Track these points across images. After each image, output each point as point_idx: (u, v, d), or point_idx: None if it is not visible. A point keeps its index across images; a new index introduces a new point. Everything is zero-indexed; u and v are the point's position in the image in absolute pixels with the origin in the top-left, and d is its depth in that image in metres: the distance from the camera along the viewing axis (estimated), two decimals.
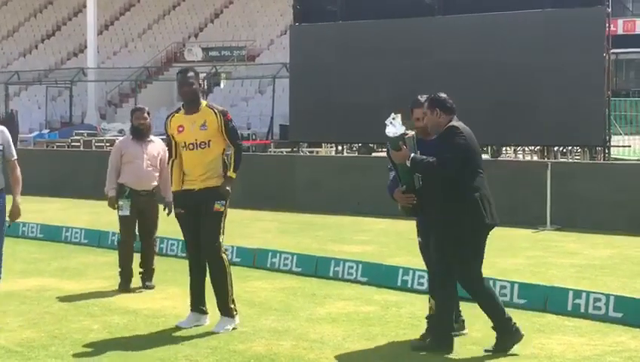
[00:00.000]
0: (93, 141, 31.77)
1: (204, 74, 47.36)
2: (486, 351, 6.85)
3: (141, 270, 9.60)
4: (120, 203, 9.57)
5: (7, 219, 7.89)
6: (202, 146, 7.66)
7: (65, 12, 55.83)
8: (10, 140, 7.95)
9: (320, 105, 22.83)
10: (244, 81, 44.42)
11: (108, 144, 29.91)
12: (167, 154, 9.21)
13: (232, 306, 7.73)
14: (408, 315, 8.18)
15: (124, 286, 9.35)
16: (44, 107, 44.54)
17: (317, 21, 24.64)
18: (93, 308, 8.45)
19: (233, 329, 7.59)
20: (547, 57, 20.93)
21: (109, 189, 9.67)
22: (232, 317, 7.70)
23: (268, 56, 45.41)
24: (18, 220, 11.81)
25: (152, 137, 9.71)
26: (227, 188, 7.66)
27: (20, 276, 10.08)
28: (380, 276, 9.62)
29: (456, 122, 6.89)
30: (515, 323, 6.89)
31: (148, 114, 9.69)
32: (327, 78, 23.41)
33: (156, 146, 9.67)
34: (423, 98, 7.19)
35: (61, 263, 11.09)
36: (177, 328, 7.64)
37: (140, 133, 9.61)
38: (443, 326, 6.96)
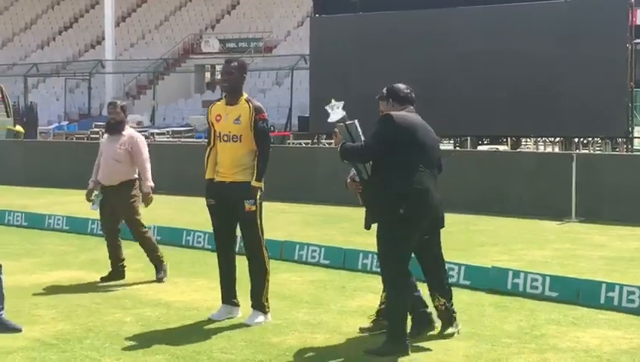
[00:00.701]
0: None
1: (221, 65, 47.41)
2: (365, 352, 6.63)
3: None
4: (92, 197, 9.66)
5: None
6: (234, 140, 7.61)
7: (82, 4, 55.96)
8: None
9: (340, 96, 22.51)
10: (262, 72, 44.42)
11: None
12: (139, 147, 9.49)
13: (266, 303, 7.73)
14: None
15: (105, 277, 9.43)
16: (62, 99, 44.68)
17: (337, 12, 24.63)
18: (124, 300, 8.46)
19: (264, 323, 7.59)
20: (569, 48, 20.87)
21: (89, 182, 9.78)
22: (265, 313, 7.69)
23: (285, 47, 45.40)
24: (45, 212, 11.94)
25: (126, 131, 9.59)
26: (255, 189, 7.62)
27: (49, 268, 10.12)
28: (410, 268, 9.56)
29: (398, 112, 6.72)
30: (407, 340, 6.62)
31: (122, 108, 9.59)
32: (347, 69, 23.39)
33: (124, 140, 9.51)
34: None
35: (88, 255, 11.11)
36: (210, 321, 7.64)
37: (111, 128, 9.63)
38: (395, 328, 6.63)
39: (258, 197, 7.64)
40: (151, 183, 9.52)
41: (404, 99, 6.85)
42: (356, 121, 6.91)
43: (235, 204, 7.62)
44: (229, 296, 7.86)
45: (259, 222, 7.70)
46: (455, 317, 7.21)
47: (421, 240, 6.85)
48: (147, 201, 9.54)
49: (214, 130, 7.75)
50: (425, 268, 7.25)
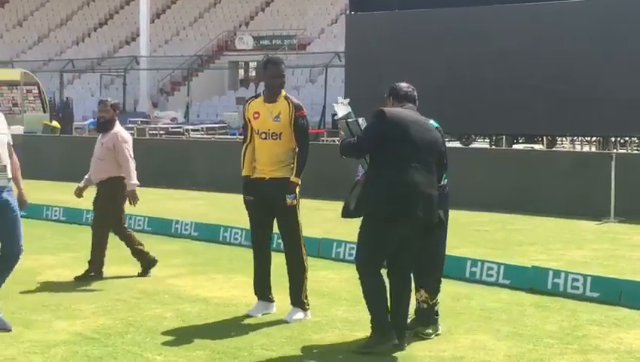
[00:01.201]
0: (147, 129, 31.97)
1: (255, 63, 47.53)
2: (355, 351, 6.61)
3: None
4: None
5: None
6: (274, 137, 7.61)
7: (117, 1, 56.30)
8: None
9: (375, 94, 22.51)
10: (295, 69, 44.45)
11: (162, 132, 30.14)
12: (120, 146, 9.31)
13: (305, 300, 7.73)
14: (479, 307, 8.11)
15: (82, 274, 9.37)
16: (97, 95, 44.96)
17: (373, 10, 24.59)
18: (163, 296, 8.49)
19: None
20: (607, 46, 20.69)
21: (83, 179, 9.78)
22: (304, 310, 7.69)
23: (318, 44, 45.43)
24: (82, 207, 11.98)
25: (114, 129, 9.48)
26: (295, 184, 7.62)
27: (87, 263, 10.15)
28: (448, 267, 9.42)
29: (391, 107, 6.74)
30: (391, 329, 6.59)
31: (112, 107, 9.52)
32: (382, 66, 23.32)
33: (110, 138, 9.43)
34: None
35: (125, 251, 11.08)
36: (249, 317, 7.64)
37: (100, 126, 9.61)
38: (375, 321, 6.61)
39: (297, 192, 7.64)
40: (135, 181, 9.36)
41: (404, 97, 6.85)
42: (360, 119, 6.94)
43: (274, 200, 7.61)
44: (264, 293, 7.87)
45: (298, 218, 7.70)
46: (437, 319, 7.17)
47: (412, 238, 6.71)
48: (133, 200, 9.39)
49: (251, 127, 7.74)
50: (417, 265, 7.05)
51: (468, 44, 22.57)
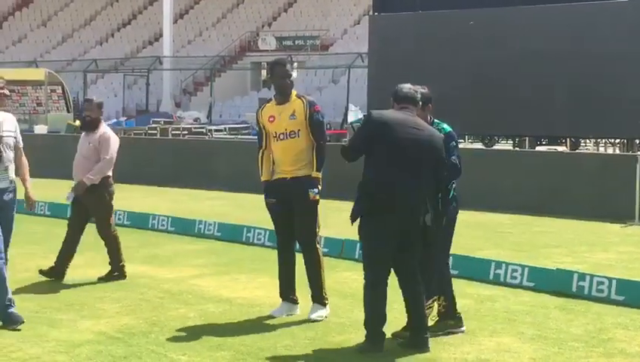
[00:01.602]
0: (170, 129, 32.03)
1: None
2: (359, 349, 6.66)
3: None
4: (67, 193, 9.44)
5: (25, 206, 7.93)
6: (292, 136, 7.65)
7: (141, 1, 56.53)
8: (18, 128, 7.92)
9: None
10: (318, 70, 44.45)
11: (185, 132, 30.20)
12: (107, 145, 9.26)
13: (325, 295, 7.78)
14: (503, 310, 8.07)
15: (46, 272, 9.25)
16: (120, 95, 45.15)
17: (396, 10, 24.48)
18: (187, 296, 8.50)
19: (325, 317, 7.63)
20: (632, 47, 20.51)
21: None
22: (324, 305, 7.74)
23: (341, 45, 45.41)
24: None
25: (100, 129, 9.39)
26: (317, 179, 7.69)
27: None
28: (472, 269, 9.50)
29: (386, 110, 6.77)
30: (382, 336, 6.65)
31: (98, 106, 9.47)
32: (406, 67, 23.22)
33: (95, 138, 9.33)
34: None
35: (150, 251, 11.19)
36: (273, 317, 7.65)
37: (86, 125, 9.44)
38: (366, 325, 6.68)
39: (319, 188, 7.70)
40: (94, 178, 9.21)
41: (403, 98, 6.78)
42: None
43: (296, 197, 7.65)
44: (288, 294, 7.88)
45: (317, 215, 7.74)
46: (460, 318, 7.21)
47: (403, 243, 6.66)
48: (77, 190, 9.23)
49: (267, 132, 7.77)
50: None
51: (491, 45, 22.45)
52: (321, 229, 7.89)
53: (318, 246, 7.82)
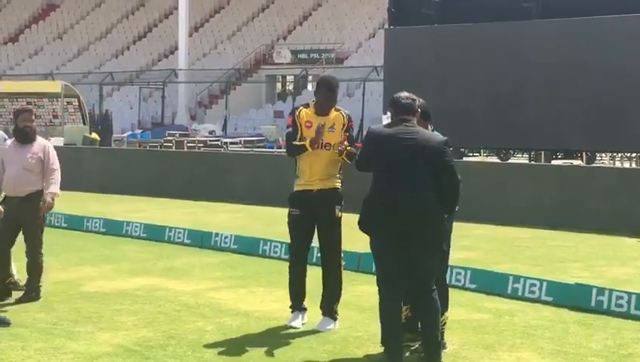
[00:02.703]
0: (185, 142, 32.11)
1: (293, 76, 47.67)
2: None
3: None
4: None
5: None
6: (327, 148, 7.64)
7: (156, 14, 56.72)
8: None
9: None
10: None
11: (200, 145, 30.27)
12: (54, 156, 8.90)
13: (337, 309, 7.78)
14: (522, 324, 8.01)
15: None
16: (136, 107, 45.27)
17: (412, 24, 24.52)
18: (204, 309, 8.48)
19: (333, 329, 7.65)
20: None
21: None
22: (334, 319, 7.75)
23: (356, 59, 45.45)
24: (120, 219, 12.01)
25: (37, 140, 8.96)
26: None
27: (129, 275, 10.19)
28: (490, 283, 9.46)
29: (381, 125, 6.88)
30: (400, 351, 6.55)
31: (35, 116, 9.25)
32: (422, 81, 23.20)
33: (36, 149, 8.88)
34: None
35: (167, 263, 11.17)
36: (290, 330, 7.62)
37: (26, 136, 8.97)
38: (384, 341, 6.65)
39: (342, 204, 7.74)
40: (57, 191, 8.92)
41: (402, 108, 6.69)
42: None
43: (322, 212, 7.65)
44: (300, 303, 7.89)
45: (341, 231, 7.77)
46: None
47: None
48: (48, 208, 8.92)
49: (302, 135, 7.66)
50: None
51: (507, 59, 22.44)
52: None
53: (342, 261, 7.85)
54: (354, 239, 9.25)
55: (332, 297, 7.78)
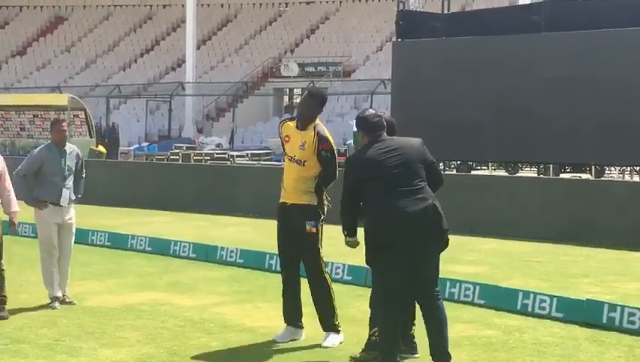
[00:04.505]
0: (192, 154, 32.01)
1: (300, 89, 47.58)
2: None
3: None
4: None
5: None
6: (298, 163, 7.59)
7: (164, 27, 56.75)
8: None
9: (422, 121, 22.38)
10: (340, 96, 44.39)
11: (207, 158, 30.17)
12: (6, 171, 8.66)
13: (337, 322, 7.66)
14: (532, 341, 7.86)
15: None
16: (143, 120, 45.21)
17: (420, 37, 24.44)
18: (209, 324, 8.34)
19: (340, 343, 7.53)
20: None
21: None
22: (338, 332, 7.64)
23: (364, 72, 45.36)
24: (125, 232, 11.88)
25: None
26: (319, 209, 7.57)
27: (134, 290, 10.07)
28: (499, 299, 9.30)
29: (358, 151, 6.75)
30: None
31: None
32: (429, 94, 23.17)
33: None
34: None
35: (172, 277, 11.05)
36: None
37: None
38: (380, 351, 6.59)
39: (321, 220, 7.59)
40: (17, 208, 8.74)
41: (372, 128, 6.67)
42: None
43: (295, 226, 7.56)
44: (292, 318, 7.77)
45: (319, 246, 7.62)
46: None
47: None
48: (15, 227, 8.76)
49: (283, 148, 7.78)
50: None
51: (515, 72, 22.34)
52: (344, 256, 7.77)
53: (326, 277, 7.68)
54: (355, 252, 9.13)
55: (325, 313, 7.65)
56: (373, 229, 6.42)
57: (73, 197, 9.27)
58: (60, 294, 9.10)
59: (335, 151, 7.62)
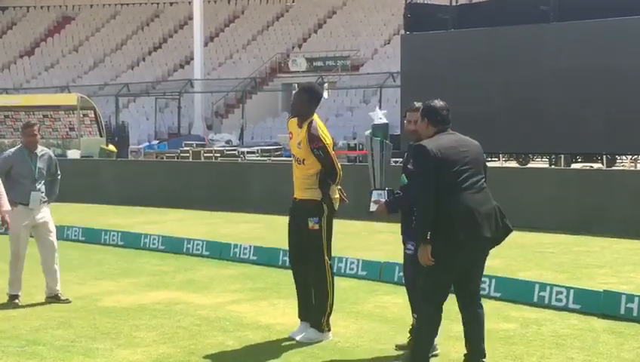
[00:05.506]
0: (202, 152, 31.95)
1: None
2: None
3: None
4: None
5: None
6: (298, 162, 7.58)
7: (171, 25, 56.74)
8: None
9: None
10: (349, 90, 44.35)
11: (217, 155, 30.13)
12: None
13: (323, 322, 7.56)
14: (550, 334, 7.81)
15: None
16: (152, 118, 45.23)
17: (428, 29, 24.36)
18: (225, 322, 8.31)
19: (316, 342, 7.42)
20: None
21: None
22: (321, 331, 7.54)
23: (372, 65, 45.28)
24: (138, 231, 11.82)
25: None
26: (323, 204, 7.49)
27: (148, 289, 10.04)
28: (516, 291, 9.25)
29: (429, 141, 6.37)
30: None
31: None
32: (438, 86, 22.99)
33: None
34: (418, 103, 6.93)
35: (186, 276, 11.02)
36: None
37: None
38: (416, 351, 6.49)
39: (325, 216, 7.50)
40: (8, 207, 8.76)
41: (442, 121, 6.49)
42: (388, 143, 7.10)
43: (300, 222, 7.55)
44: (305, 314, 7.72)
45: (324, 243, 7.54)
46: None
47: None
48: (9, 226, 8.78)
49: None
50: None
51: (524, 63, 22.25)
52: (357, 251, 7.72)
53: (327, 277, 7.57)
54: (372, 247, 9.07)
55: (317, 309, 7.57)
56: (445, 225, 6.15)
57: (45, 200, 9.27)
58: (18, 293, 9.17)
59: (328, 147, 7.45)
